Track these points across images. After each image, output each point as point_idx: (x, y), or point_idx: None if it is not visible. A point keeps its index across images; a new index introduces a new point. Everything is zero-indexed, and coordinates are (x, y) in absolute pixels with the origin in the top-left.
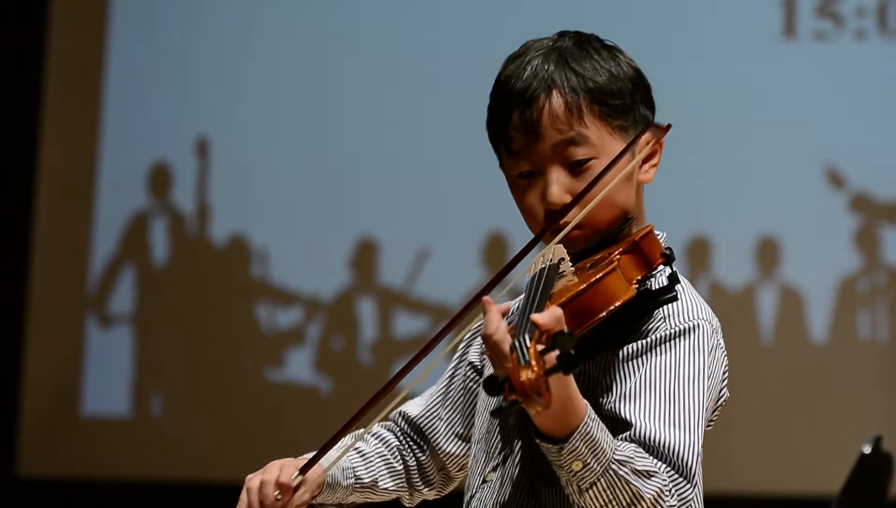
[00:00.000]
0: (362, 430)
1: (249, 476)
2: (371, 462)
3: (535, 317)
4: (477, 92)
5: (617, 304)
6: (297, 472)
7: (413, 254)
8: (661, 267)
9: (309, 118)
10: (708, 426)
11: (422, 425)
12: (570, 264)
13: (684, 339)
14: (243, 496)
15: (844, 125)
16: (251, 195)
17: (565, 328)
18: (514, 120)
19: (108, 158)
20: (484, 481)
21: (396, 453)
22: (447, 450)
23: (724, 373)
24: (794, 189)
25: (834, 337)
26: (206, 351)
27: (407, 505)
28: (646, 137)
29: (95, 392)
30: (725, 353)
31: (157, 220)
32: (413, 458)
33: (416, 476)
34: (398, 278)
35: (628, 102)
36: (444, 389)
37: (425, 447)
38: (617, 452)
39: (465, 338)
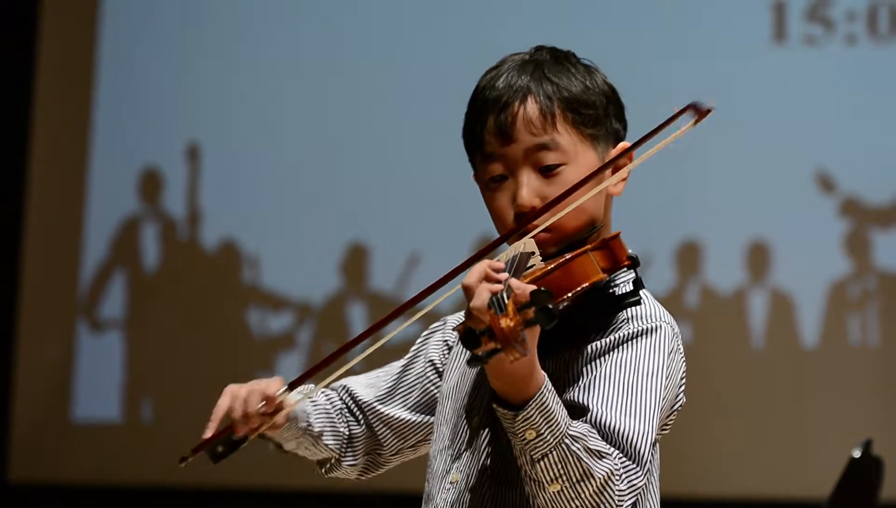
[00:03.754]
0: (311, 386)
1: (232, 386)
2: (321, 414)
3: (512, 281)
4: (467, 98)
5: (586, 284)
6: (284, 387)
7: (403, 259)
8: (627, 271)
9: (300, 124)
10: (663, 429)
11: (363, 402)
12: (542, 259)
13: (646, 338)
14: (223, 401)
15: (835, 130)
16: (242, 200)
17: (542, 288)
18: (488, 124)
19: (99, 163)
20: (450, 483)
21: (340, 415)
22: (386, 431)
23: (681, 378)
24: (785, 193)
25: (825, 341)
26: (197, 356)
27: (324, 473)
28: (616, 150)
29: (86, 397)
30: (684, 359)
31: (148, 225)
32: (347, 429)
33: (347, 446)
34: (389, 282)
35: (601, 114)
36: (395, 379)
37: (362, 422)
38: (571, 428)
39: (424, 334)
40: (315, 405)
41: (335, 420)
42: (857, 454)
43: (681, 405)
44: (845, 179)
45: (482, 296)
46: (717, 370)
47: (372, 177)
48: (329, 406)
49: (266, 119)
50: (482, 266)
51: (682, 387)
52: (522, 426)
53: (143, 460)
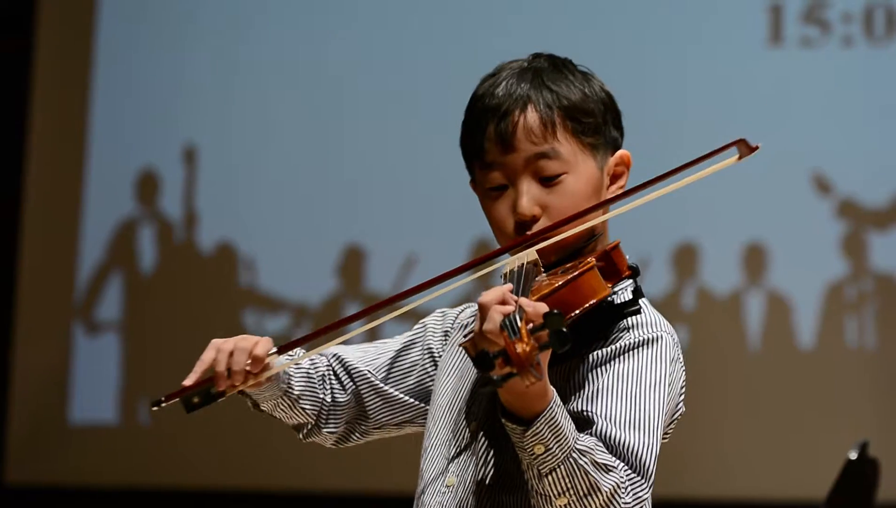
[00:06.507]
0: (300, 351)
1: (217, 340)
2: (302, 378)
3: (523, 301)
4: (464, 100)
5: (594, 300)
6: (273, 350)
7: (400, 261)
8: (627, 281)
9: (297, 126)
10: (663, 439)
11: (355, 371)
12: (543, 270)
13: (648, 348)
14: (209, 354)
15: (831, 131)
16: (239, 202)
17: (554, 310)
18: (488, 132)
19: (95, 166)
20: (445, 486)
21: (322, 382)
22: (377, 401)
23: (681, 387)
24: (781, 195)
25: (821, 343)
26: (194, 358)
27: (302, 438)
28: (614, 158)
29: (83, 400)
30: (684, 368)
31: (144, 227)
32: (330, 395)
33: (326, 413)
34: (385, 284)
35: (600, 122)
36: (390, 360)
37: (349, 391)
38: (578, 442)
39: (422, 321)
40: (298, 369)
41: (315, 386)
42: (853, 455)
43: (681, 415)
44: (842, 180)
45: (494, 318)
46: (713, 373)
47: (369, 179)
48: (312, 372)
49: (263, 121)
50: (501, 288)
51: (682, 396)
52: (531, 441)
53: (139, 462)
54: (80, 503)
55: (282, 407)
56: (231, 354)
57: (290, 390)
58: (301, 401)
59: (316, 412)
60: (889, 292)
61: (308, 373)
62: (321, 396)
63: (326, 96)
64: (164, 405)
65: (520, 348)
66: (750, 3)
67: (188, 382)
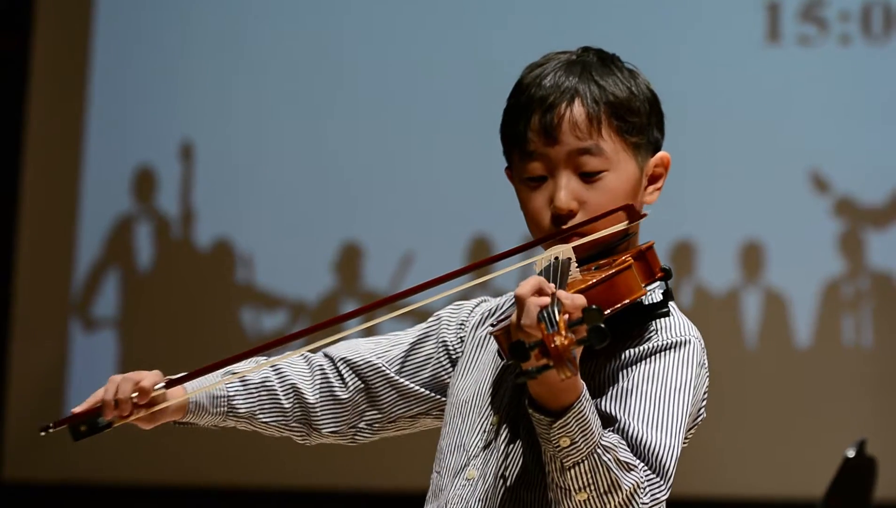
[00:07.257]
0: (262, 357)
1: (115, 375)
2: (252, 393)
3: (561, 294)
4: (463, 98)
5: (628, 300)
6: (162, 384)
7: (397, 258)
8: (658, 282)
9: (294, 122)
10: (683, 442)
11: (363, 364)
12: (577, 265)
13: (676, 351)
14: (102, 387)
15: (829, 130)
16: (236, 199)
17: (593, 305)
18: (533, 123)
19: (92, 162)
20: (466, 479)
21: (289, 390)
22: (391, 394)
23: (705, 393)
24: (779, 194)
25: (818, 342)
26: (191, 355)
27: (301, 443)
28: (654, 159)
29: (80, 396)
30: (708, 374)
31: (141, 224)
32: (321, 395)
33: (320, 414)
34: (383, 281)
35: (644, 122)
36: (404, 354)
37: (351, 387)
38: (604, 438)
39: (437, 313)
40: (245, 385)
41: (278, 397)
42: (850, 453)
43: (701, 420)
44: (839, 179)
45: (531, 309)
46: (710, 371)
47: (366, 176)
48: (273, 382)
49: (260, 118)
50: (537, 279)
51: (705, 402)
52: (558, 434)
53: (137, 459)
54: (77, 499)
55: (241, 426)
56: (119, 385)
57: (234, 410)
58: (259, 416)
59: (286, 422)
60: (886, 291)
61: (264, 385)
62: (286, 405)
63: (324, 93)
64: (51, 430)
65: (558, 341)
66: (747, 1)
67: (78, 410)
